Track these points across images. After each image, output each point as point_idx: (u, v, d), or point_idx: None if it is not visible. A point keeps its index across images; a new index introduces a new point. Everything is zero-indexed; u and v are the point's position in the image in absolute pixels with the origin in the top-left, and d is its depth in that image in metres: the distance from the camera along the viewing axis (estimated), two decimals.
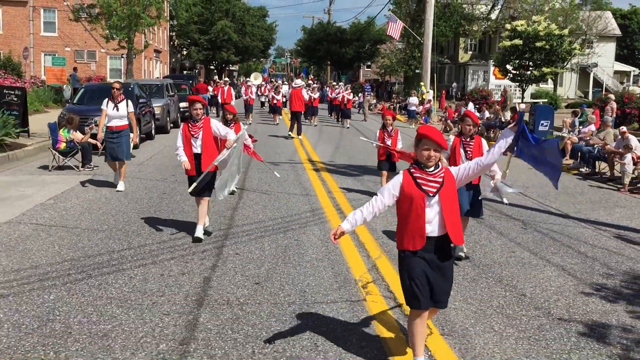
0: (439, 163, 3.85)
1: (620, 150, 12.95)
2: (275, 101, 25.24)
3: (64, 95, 27.41)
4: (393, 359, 4.17)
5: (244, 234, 7.36)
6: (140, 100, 16.77)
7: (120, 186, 10.02)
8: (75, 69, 33.66)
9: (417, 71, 43.47)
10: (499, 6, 52.30)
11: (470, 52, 56.16)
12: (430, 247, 3.81)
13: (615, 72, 57.10)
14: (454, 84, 55.94)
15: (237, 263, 6.17)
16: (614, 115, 20.53)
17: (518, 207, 9.88)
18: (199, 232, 6.96)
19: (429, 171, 3.80)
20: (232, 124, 9.11)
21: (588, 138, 15.61)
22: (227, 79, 28.51)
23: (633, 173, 12.76)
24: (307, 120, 25.04)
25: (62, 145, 11.98)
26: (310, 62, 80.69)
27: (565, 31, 20.02)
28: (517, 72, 19.79)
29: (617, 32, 55.62)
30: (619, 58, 60.98)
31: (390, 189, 3.86)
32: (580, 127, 16.69)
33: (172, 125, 21.43)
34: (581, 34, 44.86)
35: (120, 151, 10.09)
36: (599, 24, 48.06)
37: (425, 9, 35.93)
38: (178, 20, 34.35)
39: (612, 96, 21.36)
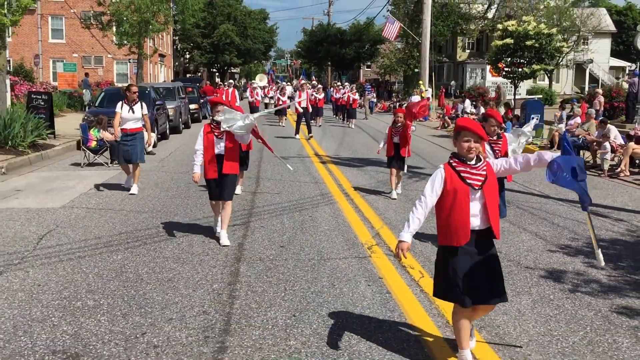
0: (480, 156, 3.81)
1: (599, 139, 14.18)
2: (280, 102, 25.21)
3: (84, 100, 28.69)
4: (394, 294, 5.40)
5: (265, 212, 8.61)
6: (157, 102, 18.04)
7: (134, 189, 9.95)
8: (86, 75, 34.92)
9: (416, 70, 44.72)
10: (495, 5, 53.34)
11: (468, 51, 57.39)
12: (474, 241, 3.78)
13: (611, 68, 58.30)
14: (453, 82, 57.14)
15: (263, 233, 7.42)
16: (602, 108, 21.76)
17: (513, 191, 11.10)
18: (225, 238, 6.88)
19: (472, 164, 3.77)
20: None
21: (574, 130, 16.83)
22: (231, 81, 29.15)
23: (612, 160, 14.00)
24: (312, 121, 25.53)
25: (93, 144, 13.24)
26: (310, 64, 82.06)
27: (554, 30, 21.26)
28: (510, 70, 21.03)
29: (612, 28, 56.84)
30: (615, 54, 62.18)
31: (434, 188, 3.79)
32: (568, 120, 17.89)
33: (183, 125, 22.71)
34: (576, 30, 46.08)
35: (134, 153, 9.95)
36: (593, 20, 49.30)
37: (422, 9, 37.08)
38: (184, 25, 35.52)
39: (599, 91, 22.60)
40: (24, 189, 10.41)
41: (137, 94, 10.28)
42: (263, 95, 32.32)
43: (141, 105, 10.25)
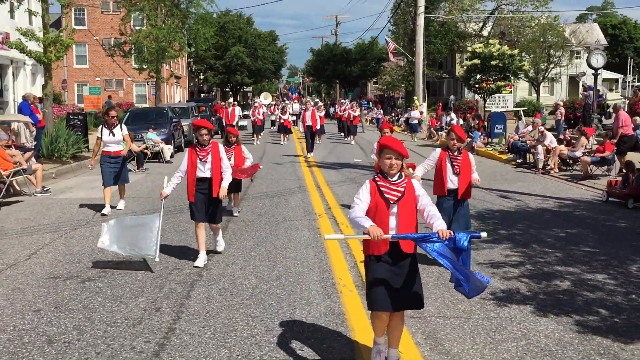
0: (402, 173, 4.06)
1: (535, 143, 17.20)
2: (282, 121, 26.42)
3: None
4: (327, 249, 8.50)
5: (253, 197, 11.77)
6: (174, 120, 21.38)
7: (121, 205, 10.63)
8: (109, 97, 38.51)
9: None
10: (490, 24, 56.28)
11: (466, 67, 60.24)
12: (392, 253, 4.02)
13: (604, 80, 61.05)
14: (452, 97, 60.19)
15: (249, 207, 10.57)
16: (563, 118, 24.75)
17: None
18: (202, 261, 6.96)
19: (392, 180, 4.01)
20: (234, 146, 9.81)
21: (524, 137, 19.85)
22: (231, 100, 29.03)
23: (547, 160, 16.96)
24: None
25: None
26: (319, 81, 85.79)
27: (515, 51, 24.35)
28: (478, 86, 24.14)
29: (604, 42, 59.61)
30: (610, 66, 64.90)
31: (363, 197, 4.03)
32: (521, 128, 20.90)
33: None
34: (568, 45, 49.11)
35: (122, 176, 10.51)
36: (588, 35, 52.28)
37: (416, 30, 40.32)
38: (197, 50, 39.08)
39: (560, 103, 25.62)
40: (73, 187, 13.69)
41: (115, 117, 10.53)
42: (269, 113, 34.72)
43: (120, 127, 10.53)
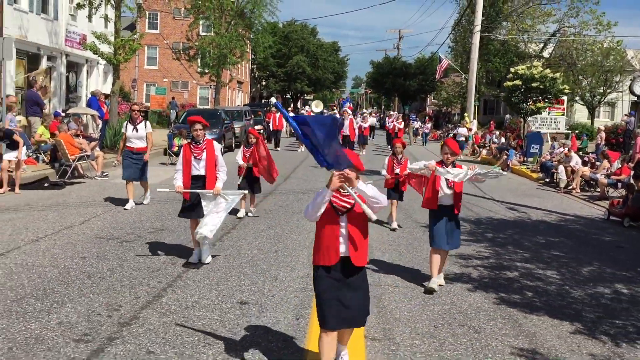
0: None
1: (556, 162, 17.97)
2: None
3: (170, 117, 34.65)
4: None
5: (285, 192, 13.22)
6: (226, 122, 23.21)
7: (146, 199, 10.94)
8: (173, 98, 41.06)
9: (476, 104, 48.49)
10: (552, 45, 55.97)
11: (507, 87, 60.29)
12: (341, 266, 3.98)
13: None
14: (507, 116, 60.16)
15: (282, 198, 12.02)
16: (602, 142, 25.15)
17: (467, 194, 15.19)
18: (195, 257, 6.97)
19: (343, 191, 3.96)
20: (253, 147, 10.08)
21: (557, 158, 20.56)
22: (274, 101, 31.16)
23: (570, 180, 17.70)
24: (356, 149, 25.48)
25: (175, 149, 18.35)
26: (379, 93, 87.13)
27: (557, 74, 24.95)
28: (519, 107, 24.91)
29: None
30: None
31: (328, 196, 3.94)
32: (554, 150, 21.58)
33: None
34: (631, 71, 48.58)
35: (142, 172, 10.54)
36: None
37: (471, 49, 41.12)
38: (256, 58, 41.20)
39: (602, 128, 26.06)
40: None
41: (138, 113, 10.62)
42: None
43: (145, 124, 10.55)
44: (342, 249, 3.97)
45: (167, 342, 4.73)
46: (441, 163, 6.64)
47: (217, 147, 7.21)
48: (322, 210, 3.94)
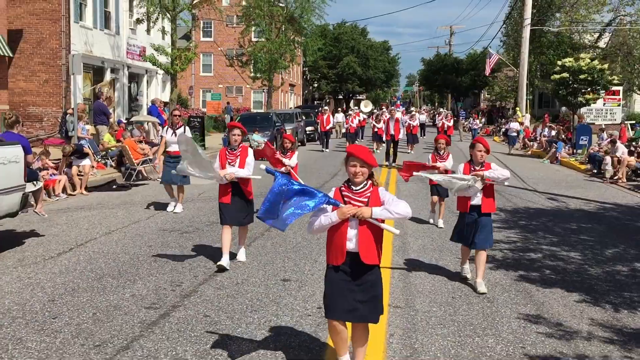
0: (368, 181, 3.97)
1: (603, 152, 18.11)
2: (375, 129, 24.61)
3: (225, 122, 36.13)
4: None
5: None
6: (277, 124, 24.28)
7: (178, 208, 10.68)
8: (228, 103, 42.60)
9: (529, 97, 48.01)
10: (608, 35, 54.61)
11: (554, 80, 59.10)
12: (350, 263, 3.97)
13: None
14: (563, 108, 58.99)
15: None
16: None
17: (508, 186, 15.61)
18: (225, 262, 6.87)
19: (355, 189, 3.95)
20: (290, 153, 9.91)
21: (604, 149, 20.61)
22: (326, 107, 29.36)
23: (617, 170, 17.82)
24: (406, 148, 25.46)
25: None
26: (431, 91, 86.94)
27: (605, 66, 24.81)
28: (567, 100, 24.92)
29: None
30: None
31: (326, 207, 3.98)
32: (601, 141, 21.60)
33: (300, 143, 28.84)
34: None
35: (175, 177, 10.10)
36: None
37: (521, 43, 40.94)
38: (307, 61, 42.28)
39: None
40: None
41: (179, 117, 10.80)
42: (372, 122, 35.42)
43: (184, 129, 10.65)
44: (352, 245, 3.96)
45: (220, 309, 5.65)
46: (470, 163, 6.48)
47: (250, 152, 7.09)
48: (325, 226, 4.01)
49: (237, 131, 7.00)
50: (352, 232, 3.95)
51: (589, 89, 23.97)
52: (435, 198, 10.07)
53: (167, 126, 11.02)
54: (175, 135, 10.36)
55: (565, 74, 24.03)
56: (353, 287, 4.00)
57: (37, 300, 5.84)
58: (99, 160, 16.19)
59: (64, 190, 12.56)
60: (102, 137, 17.39)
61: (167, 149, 10.82)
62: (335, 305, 3.99)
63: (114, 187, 14.36)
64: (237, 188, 7.04)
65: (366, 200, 3.93)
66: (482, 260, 6.41)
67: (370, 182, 4.00)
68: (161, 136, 11.16)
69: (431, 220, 10.16)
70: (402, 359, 4.66)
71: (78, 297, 5.96)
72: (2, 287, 6.27)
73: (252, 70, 36.54)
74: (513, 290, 6.41)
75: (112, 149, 16.63)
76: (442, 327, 5.32)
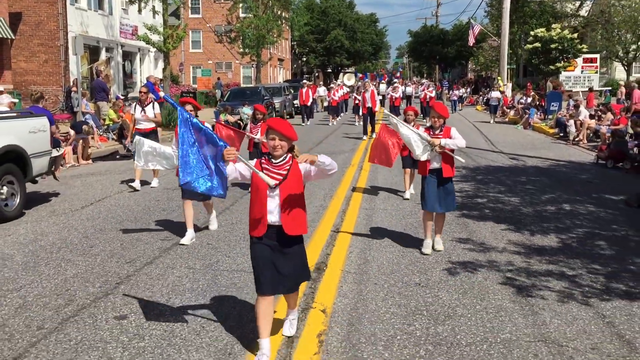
0: (288, 154, 3.98)
1: (567, 117, 19.68)
2: (356, 102, 24.78)
3: (216, 97, 37.41)
4: None
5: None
6: (265, 98, 25.66)
7: (154, 183, 10.79)
8: (219, 78, 43.79)
9: (512, 66, 49.32)
10: (589, 3, 55.57)
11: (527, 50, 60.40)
12: (273, 235, 4.00)
13: None
14: (551, 77, 60.33)
15: None
16: (622, 97, 26.42)
17: (476, 149, 17.15)
18: (189, 238, 6.97)
19: (275, 162, 3.97)
20: (261, 124, 9.50)
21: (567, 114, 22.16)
22: (305, 81, 29.34)
23: (578, 132, 19.39)
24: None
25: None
26: (419, 62, 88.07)
27: (575, 35, 26.30)
28: (539, 68, 26.42)
29: None
30: None
31: (243, 169, 4.01)
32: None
33: (288, 116, 30.24)
34: None
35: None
36: None
37: (502, 13, 42.13)
38: (294, 36, 43.38)
39: (622, 83, 27.26)
40: None
41: (145, 94, 10.71)
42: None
43: (153, 105, 10.63)
44: (274, 218, 3.99)
45: (220, 239, 7.19)
46: (430, 129, 6.56)
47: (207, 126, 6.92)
48: (235, 176, 4.05)
49: (189, 107, 7.00)
50: (273, 204, 3.98)
51: (561, 58, 25.47)
52: (409, 170, 9.79)
53: (134, 104, 10.94)
54: (144, 112, 10.54)
55: (537, 44, 25.48)
56: (279, 258, 4.05)
57: (75, 237, 7.38)
58: (101, 133, 17.58)
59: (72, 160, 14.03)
60: (104, 113, 18.74)
61: (136, 127, 10.87)
62: (266, 280, 4.01)
63: (117, 157, 15.80)
64: None
65: (285, 172, 3.96)
66: (443, 221, 6.76)
67: (290, 155, 4.02)
68: (132, 114, 11.15)
69: (406, 195, 9.88)
70: (357, 265, 6.20)
71: (106, 234, 7.51)
72: (43, 229, 7.80)
73: (240, 46, 37.65)
74: (453, 224, 7.96)
75: (113, 123, 18.01)
76: (392, 247, 6.88)
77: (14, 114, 9.00)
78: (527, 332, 4.54)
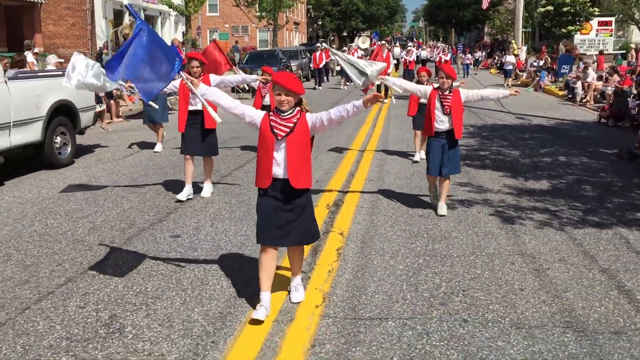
0: (296, 108, 4.03)
1: (575, 78, 20.33)
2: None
3: (234, 60, 38.15)
4: None
5: None
6: (283, 60, 26.46)
7: (158, 147, 10.76)
8: (236, 42, 44.42)
9: (528, 30, 49.30)
10: None
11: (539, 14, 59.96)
12: (279, 188, 4.06)
13: None
14: (564, 40, 60.06)
15: None
16: (633, 59, 26.84)
17: (484, 109, 17.95)
18: (185, 194, 7.12)
19: (283, 115, 4.01)
20: (269, 85, 8.58)
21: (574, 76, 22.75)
22: (318, 44, 28.27)
23: (585, 93, 20.05)
24: None
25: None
26: (435, 26, 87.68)
27: None
28: (551, 31, 26.86)
29: None
30: None
31: (253, 115, 4.11)
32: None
33: (304, 79, 31.01)
34: None
35: (155, 114, 10.50)
36: None
37: None
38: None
39: (633, 46, 27.64)
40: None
41: (199, 68, 10.31)
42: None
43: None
44: (279, 171, 4.05)
45: (233, 196, 8.22)
46: (438, 89, 6.50)
47: (213, 79, 6.96)
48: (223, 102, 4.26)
49: (195, 63, 6.84)
50: (279, 156, 4.04)
51: (573, 20, 25.88)
52: (419, 132, 9.56)
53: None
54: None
55: (550, 7, 25.89)
56: (284, 211, 4.10)
57: (123, 180, 8.49)
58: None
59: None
60: None
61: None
62: (265, 230, 4.10)
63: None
64: (196, 121, 7.08)
65: (292, 125, 4.00)
66: (447, 186, 6.72)
67: (298, 108, 4.07)
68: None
69: (416, 157, 9.71)
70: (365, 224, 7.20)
71: (150, 178, 8.60)
72: (94, 173, 8.92)
73: (257, 9, 38.21)
74: None
75: None
76: (400, 189, 7.88)
77: (62, 73, 10.01)
78: (507, 249, 5.55)
